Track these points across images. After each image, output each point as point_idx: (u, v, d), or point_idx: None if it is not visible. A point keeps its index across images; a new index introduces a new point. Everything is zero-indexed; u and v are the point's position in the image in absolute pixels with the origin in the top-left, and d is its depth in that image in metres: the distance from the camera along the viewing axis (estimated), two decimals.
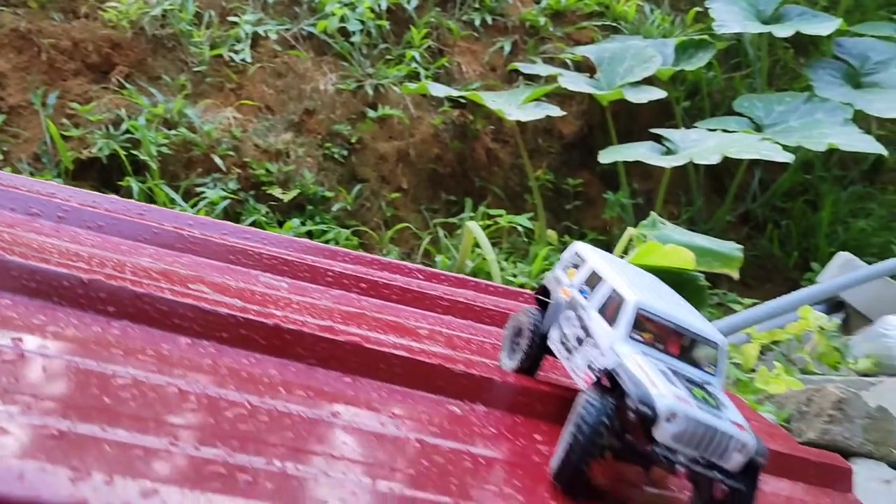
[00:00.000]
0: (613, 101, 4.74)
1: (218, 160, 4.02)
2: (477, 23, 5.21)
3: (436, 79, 4.80)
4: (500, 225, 4.23)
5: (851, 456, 1.92)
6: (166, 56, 4.39)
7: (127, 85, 4.17)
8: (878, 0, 6.21)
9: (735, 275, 2.95)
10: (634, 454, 0.91)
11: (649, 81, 4.79)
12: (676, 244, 2.80)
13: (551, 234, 4.53)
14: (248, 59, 4.47)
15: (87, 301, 0.98)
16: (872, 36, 5.34)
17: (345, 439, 0.89)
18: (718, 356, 1.01)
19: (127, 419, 0.76)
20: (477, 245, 3.62)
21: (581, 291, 1.10)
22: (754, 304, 3.61)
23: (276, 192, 3.98)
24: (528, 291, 1.94)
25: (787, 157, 3.76)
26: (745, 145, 3.96)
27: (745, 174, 5.25)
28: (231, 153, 4.09)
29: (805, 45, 5.93)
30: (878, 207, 5.71)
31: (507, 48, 5.19)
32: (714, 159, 3.79)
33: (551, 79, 4.73)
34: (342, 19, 4.73)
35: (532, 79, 5.02)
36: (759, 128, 4.62)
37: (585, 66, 5.15)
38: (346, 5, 4.77)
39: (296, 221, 3.93)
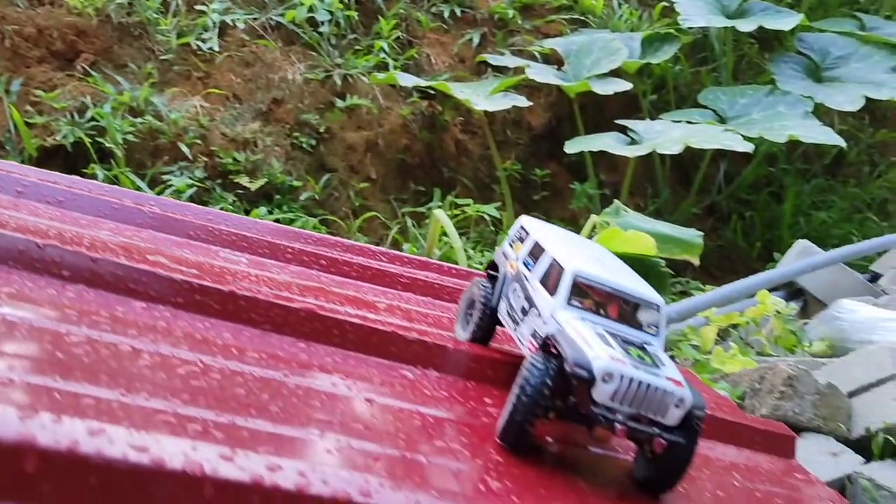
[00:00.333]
0: (581, 93, 4.79)
1: (185, 148, 4.01)
2: (446, 15, 5.24)
3: (405, 70, 4.82)
4: (468, 214, 4.26)
5: (802, 430, 1.98)
6: (132, 44, 4.36)
7: (92, 72, 4.14)
8: None
9: (695, 261, 3.01)
10: (577, 415, 0.94)
11: (617, 74, 4.85)
12: (638, 231, 2.85)
13: None
14: (216, 48, 4.45)
15: (43, 265, 1.00)
16: (833, 32, 5.45)
17: (295, 397, 0.91)
18: (659, 318, 1.05)
19: (79, 372, 0.77)
20: (444, 234, 3.65)
21: (525, 264, 1.14)
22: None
23: (244, 180, 3.98)
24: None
25: (748, 147, 3.84)
26: (708, 136, 4.04)
27: (710, 167, 5.33)
28: (198, 141, 4.07)
29: (770, 41, 6.04)
30: (839, 200, 5.83)
31: (476, 40, 5.22)
32: (676, 149, 3.86)
33: (519, 70, 4.77)
34: (311, 9, 4.72)
35: (500, 70, 5.06)
36: (722, 120, 4.70)
37: (554, 59, 5.19)
38: None
39: (262, 210, 3.94)
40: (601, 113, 5.21)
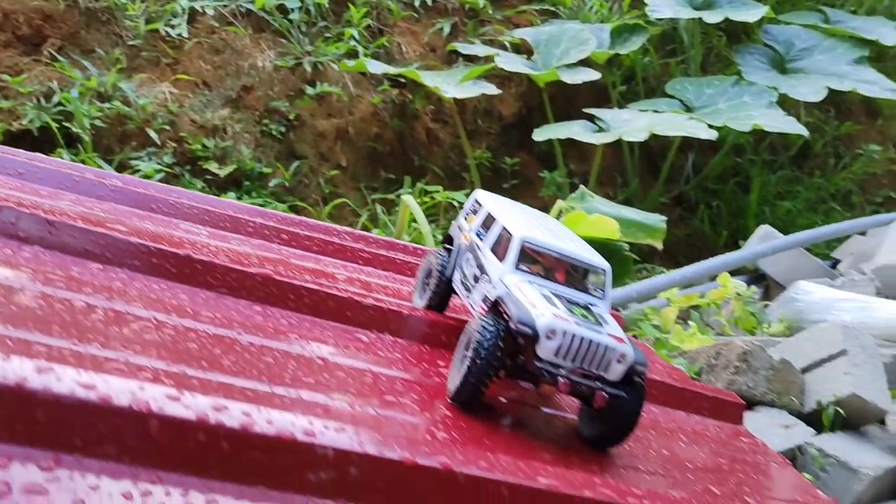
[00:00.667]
0: (551, 83, 4.83)
1: (153, 134, 3.99)
2: (417, 3, 5.25)
3: (375, 58, 4.83)
4: (438, 201, 4.29)
5: (756, 405, 2.04)
6: (100, 29, 4.33)
7: (59, 57, 4.11)
8: None
9: (658, 245, 3.06)
10: (525, 372, 0.97)
11: (586, 64, 4.90)
12: (602, 215, 2.89)
13: None
14: (185, 35, 4.43)
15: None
16: (798, 24, 5.54)
17: (248, 353, 0.93)
18: (604, 282, 1.08)
19: (31, 322, 0.79)
20: (414, 220, 3.67)
21: (478, 234, 1.17)
22: None
23: (213, 166, 3.97)
24: None
25: (712, 134, 3.91)
26: (673, 124, 4.10)
27: (678, 157, 5.40)
28: (167, 127, 4.06)
29: (738, 34, 6.12)
30: (804, 190, 5.94)
31: (447, 30, 5.24)
32: (642, 136, 3.92)
33: (489, 59, 4.80)
34: None
35: (471, 59, 5.09)
36: (689, 109, 4.77)
37: (524, 49, 5.23)
38: None
39: (232, 196, 3.93)
40: (571, 103, 5.26)
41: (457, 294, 1.23)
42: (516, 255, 1.05)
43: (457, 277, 1.21)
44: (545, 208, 4.99)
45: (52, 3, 4.23)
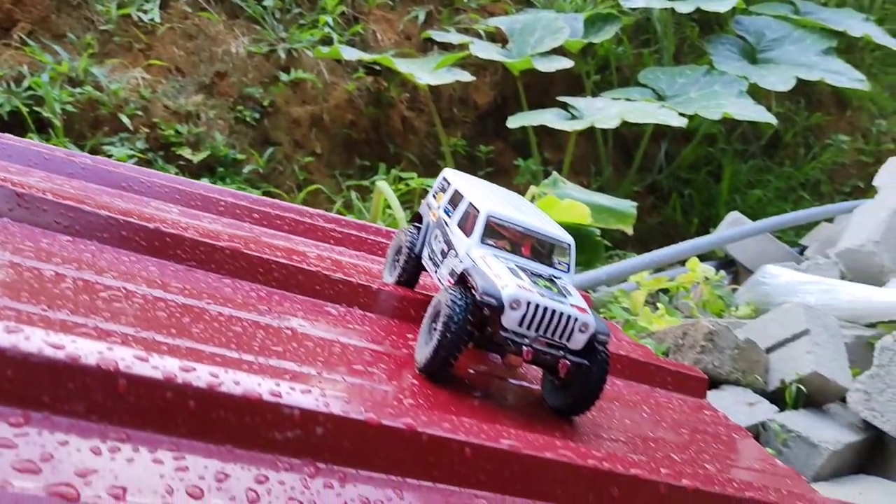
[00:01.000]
0: (526, 72, 4.86)
1: (126, 120, 3.97)
2: None
3: (350, 45, 4.82)
4: (412, 188, 4.30)
5: (722, 383, 2.08)
6: (71, 14, 4.28)
7: (30, 42, 4.06)
8: None
9: (629, 230, 3.10)
10: (491, 343, 0.99)
11: (560, 53, 4.93)
12: (574, 200, 2.93)
13: None
14: (158, 20, 4.40)
15: None
16: (769, 15, 5.61)
17: (217, 322, 0.94)
18: (569, 255, 1.11)
19: (1, 288, 0.80)
20: (389, 206, 3.68)
21: (446, 211, 1.19)
22: None
23: (186, 152, 3.95)
24: None
25: (682, 122, 3.96)
26: (645, 112, 4.14)
27: (651, 147, 5.46)
28: (139, 113, 4.03)
29: (710, 24, 6.18)
30: (774, 179, 6.03)
31: (422, 18, 5.25)
32: (614, 124, 3.96)
33: (463, 47, 4.81)
34: None
35: (446, 47, 5.10)
36: (661, 98, 4.82)
37: (499, 38, 5.25)
38: None
39: (205, 182, 3.92)
40: (546, 93, 5.29)
41: (426, 271, 1.25)
42: (482, 229, 1.07)
43: (426, 254, 1.23)
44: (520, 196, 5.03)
45: None
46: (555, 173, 3.32)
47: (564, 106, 4.59)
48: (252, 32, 4.65)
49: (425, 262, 1.23)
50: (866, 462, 2.03)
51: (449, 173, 1.28)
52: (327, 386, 0.86)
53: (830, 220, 4.55)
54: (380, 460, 0.76)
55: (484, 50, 4.69)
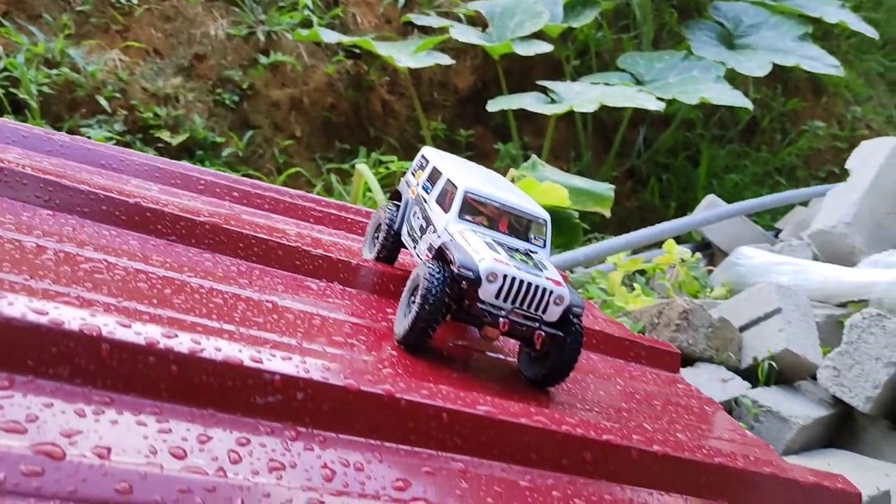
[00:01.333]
0: (506, 57, 4.87)
1: (103, 102, 3.93)
2: None
3: (330, 28, 4.81)
4: (393, 171, 4.31)
5: (696, 361, 2.12)
6: None
7: (4, 22, 4.01)
8: None
9: (607, 213, 3.13)
10: (469, 315, 1.01)
11: (540, 38, 4.94)
12: (553, 183, 2.95)
13: None
14: (135, 1, 4.36)
15: None
16: (747, 1, 5.65)
17: (198, 294, 0.96)
18: (545, 231, 1.13)
19: None
20: (369, 189, 3.69)
21: (424, 188, 1.21)
22: None
23: (165, 135, 3.93)
24: None
25: (659, 106, 3.99)
26: (623, 96, 4.18)
27: (631, 132, 5.50)
28: (117, 95, 4.00)
29: (689, 10, 6.22)
30: (751, 164, 6.09)
31: (402, 1, 5.23)
32: (592, 108, 3.99)
33: (443, 30, 4.81)
34: None
35: (426, 31, 5.09)
36: (640, 82, 4.86)
37: (479, 22, 5.25)
38: None
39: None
40: (526, 77, 5.30)
41: (405, 247, 1.26)
42: (459, 205, 1.09)
43: (405, 230, 1.25)
44: None
45: None
46: (534, 156, 3.34)
47: (544, 90, 4.61)
48: (231, 15, 4.62)
49: (404, 238, 1.24)
50: (835, 436, 2.08)
51: (427, 151, 1.30)
52: (308, 355, 0.87)
53: (805, 204, 4.61)
54: (359, 425, 0.78)
55: (464, 33, 4.70)
